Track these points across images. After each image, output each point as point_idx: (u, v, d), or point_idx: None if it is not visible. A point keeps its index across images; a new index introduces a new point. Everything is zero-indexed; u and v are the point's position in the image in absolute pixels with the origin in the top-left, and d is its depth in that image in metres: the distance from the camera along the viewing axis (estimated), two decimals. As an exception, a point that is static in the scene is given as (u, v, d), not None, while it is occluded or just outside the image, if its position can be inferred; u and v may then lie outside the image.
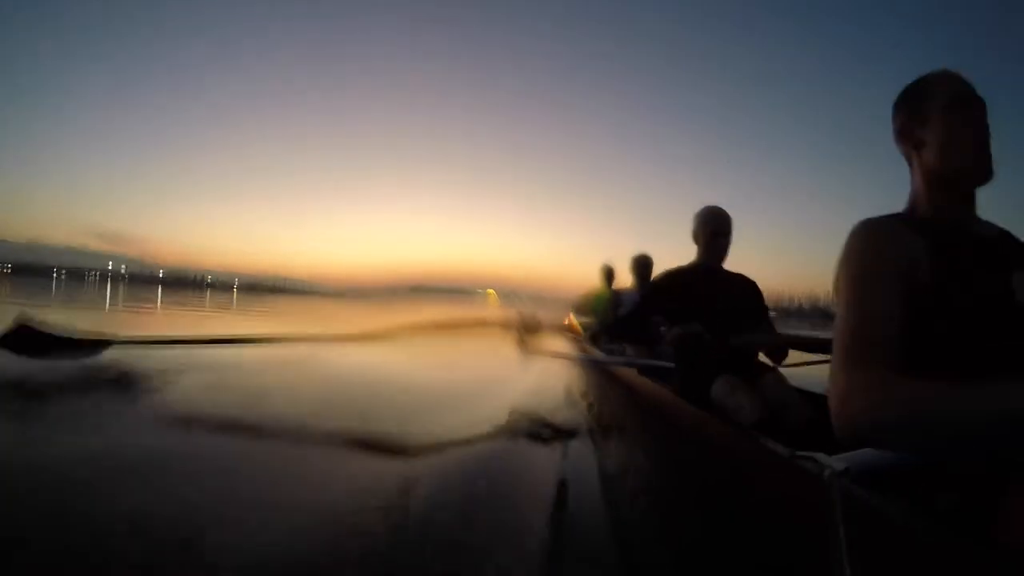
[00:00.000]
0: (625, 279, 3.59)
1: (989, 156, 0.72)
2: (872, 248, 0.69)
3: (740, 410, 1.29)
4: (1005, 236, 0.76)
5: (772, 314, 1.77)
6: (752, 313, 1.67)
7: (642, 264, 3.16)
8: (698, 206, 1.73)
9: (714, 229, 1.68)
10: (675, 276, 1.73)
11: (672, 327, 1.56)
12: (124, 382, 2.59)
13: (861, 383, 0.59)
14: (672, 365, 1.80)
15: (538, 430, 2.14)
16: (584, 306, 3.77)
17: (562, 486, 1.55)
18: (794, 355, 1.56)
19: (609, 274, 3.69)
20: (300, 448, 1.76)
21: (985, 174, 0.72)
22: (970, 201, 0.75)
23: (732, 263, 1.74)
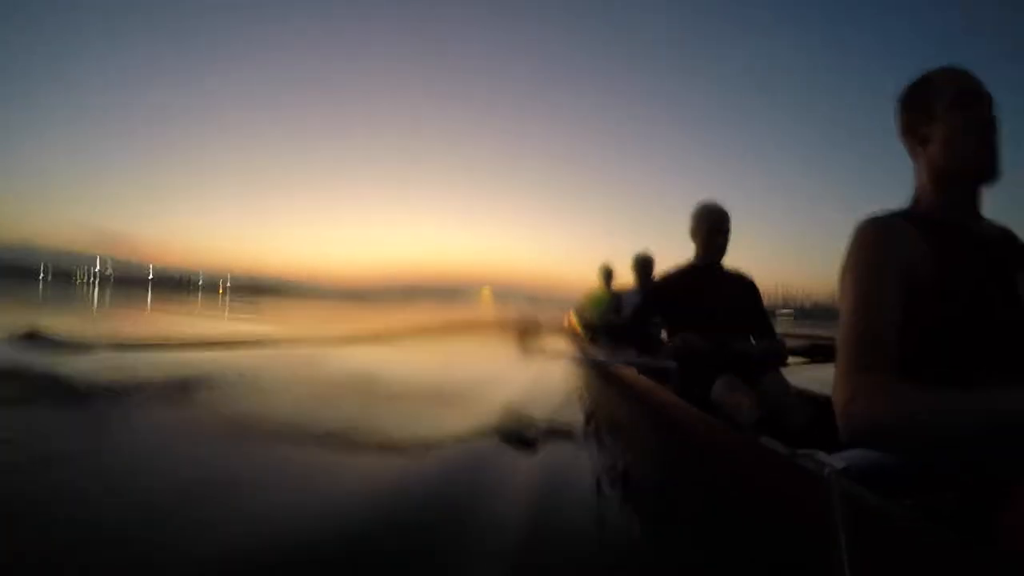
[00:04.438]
0: (625, 279, 3.58)
1: (996, 154, 0.70)
2: (876, 247, 0.68)
3: (739, 410, 1.30)
4: (1008, 236, 0.75)
5: (787, 312, 1.80)
6: (751, 312, 1.66)
7: (643, 263, 3.15)
8: (695, 202, 1.68)
9: (711, 226, 1.64)
10: (672, 278, 1.71)
11: (671, 336, 1.54)
12: (114, 385, 2.56)
13: (864, 386, 0.60)
14: (672, 365, 1.81)
15: (536, 430, 2.14)
16: (585, 307, 3.75)
17: (560, 486, 1.54)
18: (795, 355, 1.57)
19: (608, 274, 3.68)
20: (285, 448, 1.75)
21: (991, 172, 0.70)
22: (974, 199, 0.73)
23: (735, 262, 1.71)
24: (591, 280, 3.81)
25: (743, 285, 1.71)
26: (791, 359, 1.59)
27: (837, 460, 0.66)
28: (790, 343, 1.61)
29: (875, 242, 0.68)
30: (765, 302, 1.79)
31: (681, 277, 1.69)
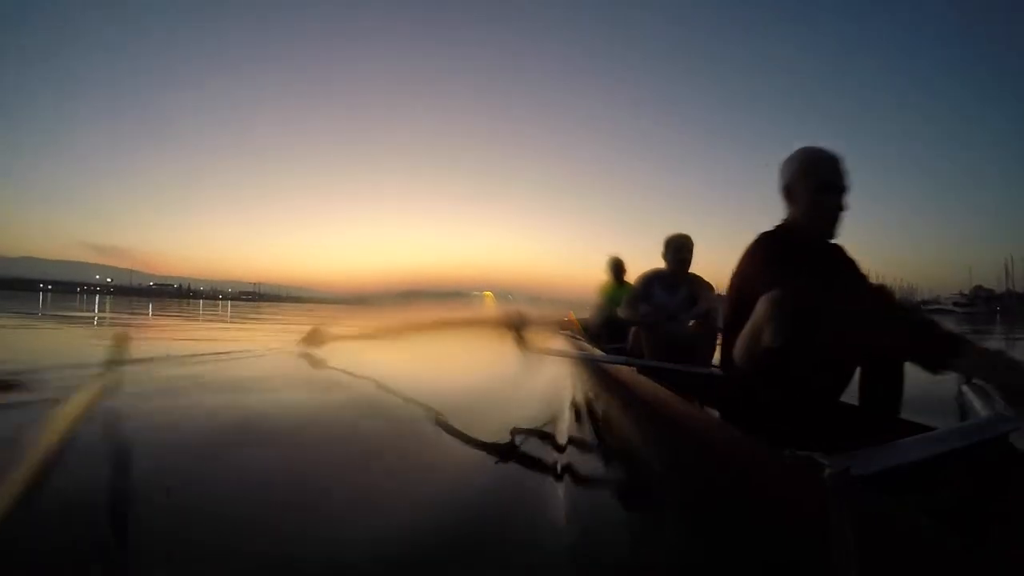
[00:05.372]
0: (634, 273, 3.35)
1: None
2: None
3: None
4: None
5: None
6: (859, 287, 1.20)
7: (680, 246, 2.65)
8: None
9: (825, 179, 1.12)
10: (785, 244, 1.16)
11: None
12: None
13: None
14: (672, 366, 1.80)
15: (534, 429, 2.13)
16: (601, 304, 3.38)
17: (558, 485, 1.54)
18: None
19: (617, 267, 3.38)
20: (281, 456, 1.74)
21: None
22: None
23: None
24: (590, 278, 3.66)
25: (846, 256, 1.25)
26: None
27: (837, 461, 0.66)
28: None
29: None
30: None
31: (799, 247, 1.14)
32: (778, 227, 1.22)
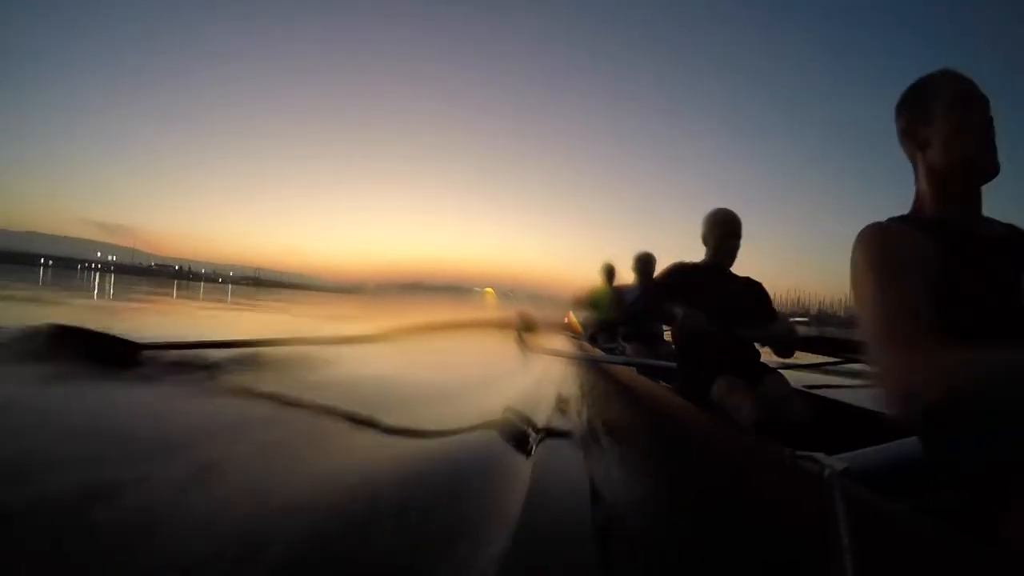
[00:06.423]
0: (626, 277, 3.58)
1: (994, 151, 0.72)
2: (886, 249, 0.68)
3: (739, 410, 1.30)
4: (1011, 233, 0.76)
5: (800, 319, 1.79)
6: (760, 315, 1.67)
7: (645, 262, 3.20)
8: (699, 207, 1.64)
9: (725, 231, 1.67)
10: (683, 271, 1.71)
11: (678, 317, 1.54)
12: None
13: (906, 365, 0.57)
14: (672, 365, 1.80)
15: (534, 429, 2.13)
16: (585, 302, 3.78)
17: (557, 485, 1.54)
18: (803, 357, 1.54)
19: (610, 272, 3.73)
20: (285, 447, 1.74)
21: (989, 170, 0.72)
22: (975, 200, 0.75)
23: (746, 267, 1.72)
24: (591, 279, 3.83)
25: (753, 289, 1.72)
26: (802, 355, 1.57)
27: (837, 461, 0.66)
28: (802, 332, 1.58)
29: (883, 244, 0.68)
30: (776, 308, 1.77)
31: (691, 272, 1.71)
32: (688, 262, 1.78)
